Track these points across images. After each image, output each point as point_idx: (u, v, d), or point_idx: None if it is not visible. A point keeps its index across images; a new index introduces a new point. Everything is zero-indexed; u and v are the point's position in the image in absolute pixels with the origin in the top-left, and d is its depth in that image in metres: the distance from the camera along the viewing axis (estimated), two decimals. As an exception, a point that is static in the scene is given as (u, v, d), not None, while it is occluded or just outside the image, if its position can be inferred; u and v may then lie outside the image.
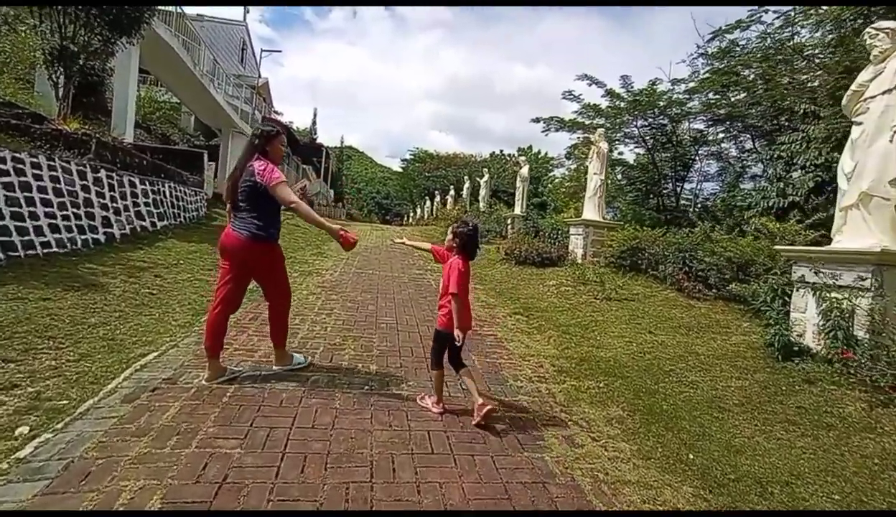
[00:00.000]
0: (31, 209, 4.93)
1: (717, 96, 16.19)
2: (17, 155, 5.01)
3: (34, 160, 5.22)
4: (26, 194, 4.93)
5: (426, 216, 30.81)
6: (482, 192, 19.37)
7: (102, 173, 6.00)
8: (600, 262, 8.81)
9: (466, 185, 23.61)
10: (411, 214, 41.26)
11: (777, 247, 4.75)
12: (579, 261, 8.79)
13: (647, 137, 18.80)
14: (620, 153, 22.66)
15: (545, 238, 9.82)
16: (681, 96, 16.86)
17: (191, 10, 20.73)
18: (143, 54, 11.73)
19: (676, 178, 19.00)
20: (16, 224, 4.65)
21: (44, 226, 4.96)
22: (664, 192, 19.81)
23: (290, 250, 8.42)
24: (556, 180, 38.05)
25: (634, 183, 22.22)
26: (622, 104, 18.06)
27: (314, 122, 55.35)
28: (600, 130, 9.26)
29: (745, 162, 19.45)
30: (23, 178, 4.97)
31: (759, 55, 13.23)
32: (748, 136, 17.75)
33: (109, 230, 5.84)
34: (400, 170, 57.48)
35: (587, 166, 28.86)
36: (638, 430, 2.77)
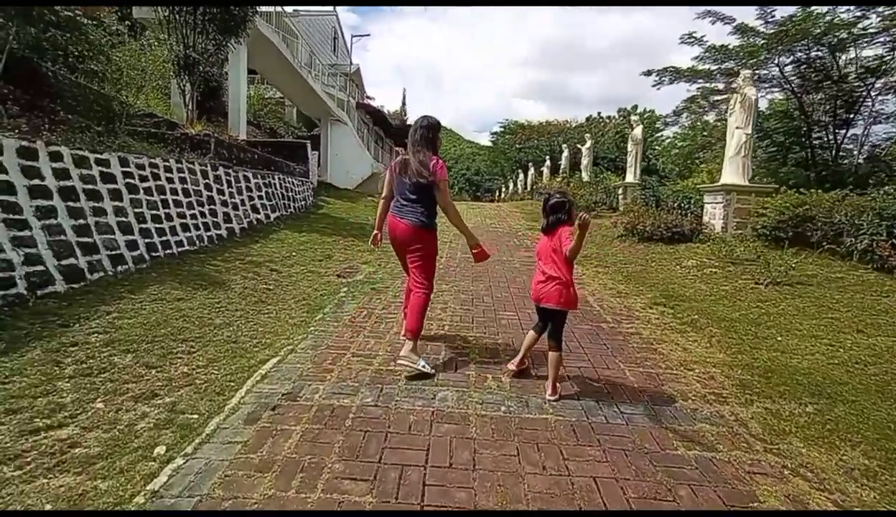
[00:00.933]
0: (167, 211, 5.27)
1: None
2: (153, 161, 5.38)
3: (167, 164, 5.59)
4: (162, 197, 5.28)
5: (521, 190, 29.61)
6: (584, 160, 17.79)
7: (221, 170, 6.31)
8: (746, 236, 7.31)
9: (565, 153, 21.97)
10: (503, 189, 40.16)
11: None
12: (718, 234, 7.38)
13: (793, 77, 15.40)
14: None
15: (670, 209, 8.45)
16: (848, 16, 13.40)
17: (287, 7, 21.80)
18: (250, 54, 12.44)
19: (836, 124, 15.33)
20: (155, 226, 5.00)
21: (177, 225, 5.30)
22: (815, 143, 16.21)
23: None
24: (667, 141, 33.99)
25: (769, 136, 18.62)
26: (758, 40, 15.01)
27: (403, 104, 56.39)
28: (745, 73, 7.52)
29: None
30: (158, 182, 5.33)
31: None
32: None
33: (229, 225, 6.15)
34: (489, 144, 56.13)
35: (706, 122, 25.07)
36: (908, 495, 1.90)
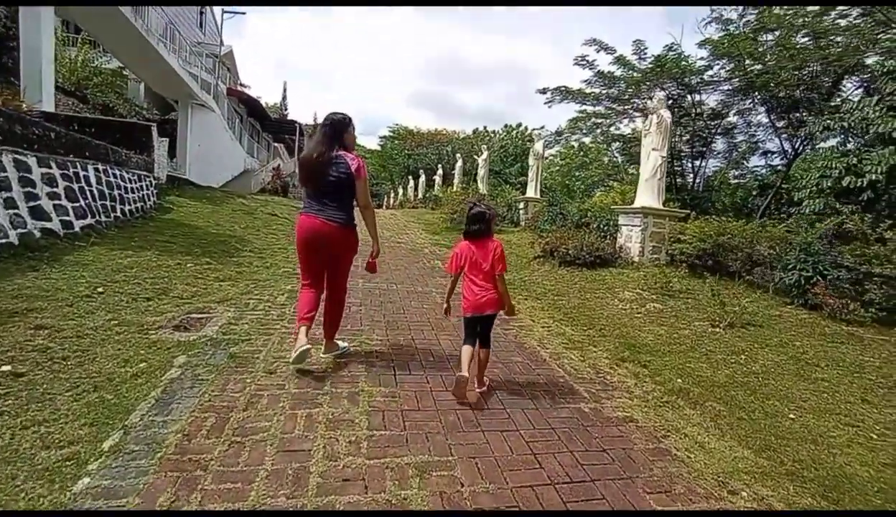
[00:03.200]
0: None
1: (733, 64, 14.87)
2: None
3: None
4: None
5: (413, 197, 28.64)
6: (481, 171, 17.43)
7: (-39, 150, 3.78)
8: (661, 261, 7.14)
9: (459, 163, 21.53)
10: (392, 195, 38.92)
11: None
12: (635, 259, 7.09)
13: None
14: (617, 128, 21.10)
15: (590, 230, 8.03)
16: (701, 63, 15.30)
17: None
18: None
19: (693, 156, 17.40)
20: None
21: None
22: (676, 170, 18.22)
23: (268, 251, 6.38)
24: (547, 160, 36.41)
25: (637, 160, 20.64)
26: (634, 73, 16.35)
27: (284, 98, 51.56)
28: (660, 95, 7.44)
29: (757, 137, 18.15)
30: None
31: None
32: (763, 109, 16.42)
33: (-23, 242, 3.67)
34: (377, 148, 54.29)
35: (583, 143, 26.90)
36: None
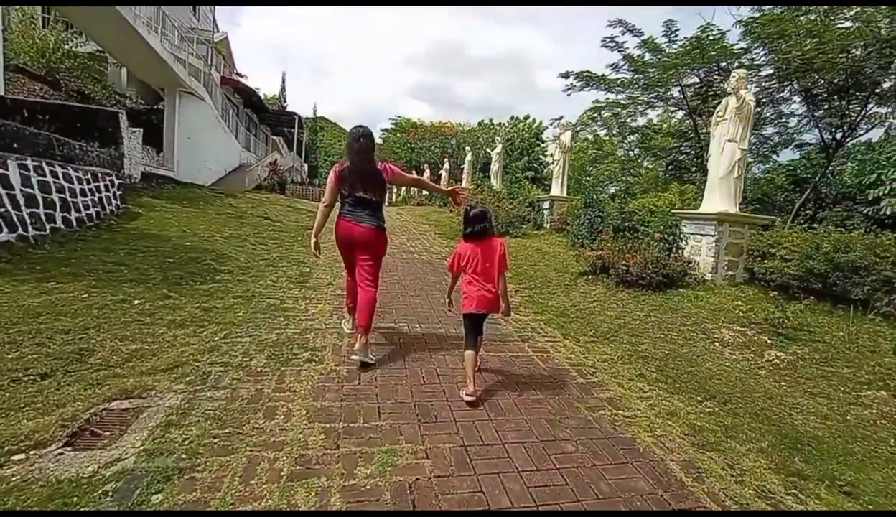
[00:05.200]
0: None
1: (767, 49, 13.38)
2: None
3: None
4: None
5: (416, 193, 27.19)
6: (494, 166, 15.99)
7: None
8: (737, 279, 5.80)
9: (468, 157, 20.10)
10: (395, 191, 37.49)
11: None
12: (707, 277, 5.73)
13: (693, 97, 15.58)
14: (634, 120, 19.67)
15: (617, 232, 6.71)
16: (741, 46, 13.79)
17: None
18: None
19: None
20: None
21: None
22: (706, 163, 16.76)
23: (252, 271, 5.01)
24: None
25: (655, 153, 19.34)
26: (665, 58, 14.85)
27: (283, 89, 49.86)
28: (741, 72, 6.01)
29: (791, 129, 16.67)
30: None
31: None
32: (799, 97, 14.90)
33: None
34: (380, 142, 52.64)
35: (597, 135, 25.32)
36: None
